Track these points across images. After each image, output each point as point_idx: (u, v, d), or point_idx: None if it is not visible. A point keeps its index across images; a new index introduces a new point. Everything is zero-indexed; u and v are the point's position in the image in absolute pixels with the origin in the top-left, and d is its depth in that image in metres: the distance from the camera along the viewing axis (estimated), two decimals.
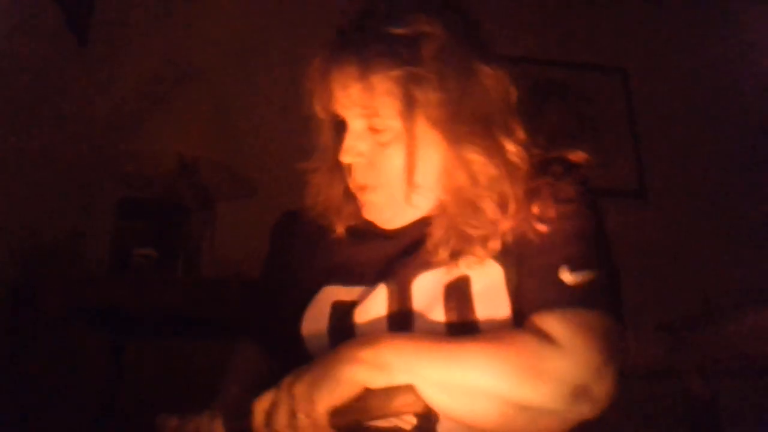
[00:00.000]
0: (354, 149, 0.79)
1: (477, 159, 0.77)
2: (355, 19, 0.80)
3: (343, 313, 0.79)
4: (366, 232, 0.86)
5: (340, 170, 0.85)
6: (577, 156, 0.83)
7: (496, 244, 0.77)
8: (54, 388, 1.60)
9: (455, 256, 0.77)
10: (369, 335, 0.73)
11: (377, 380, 0.68)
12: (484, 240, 0.77)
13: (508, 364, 0.67)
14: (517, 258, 0.77)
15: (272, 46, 2.08)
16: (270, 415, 0.67)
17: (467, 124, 0.77)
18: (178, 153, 1.70)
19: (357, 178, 0.81)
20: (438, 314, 0.76)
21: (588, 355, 0.67)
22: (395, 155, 0.78)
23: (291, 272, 0.90)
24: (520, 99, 0.82)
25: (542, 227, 0.75)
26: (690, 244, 2.18)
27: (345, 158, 0.80)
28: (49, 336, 1.63)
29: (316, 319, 0.81)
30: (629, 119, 2.34)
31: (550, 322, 0.70)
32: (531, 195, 0.78)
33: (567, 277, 0.72)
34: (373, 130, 0.79)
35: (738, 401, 1.54)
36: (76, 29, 1.96)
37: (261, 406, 0.68)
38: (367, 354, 0.68)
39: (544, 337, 0.69)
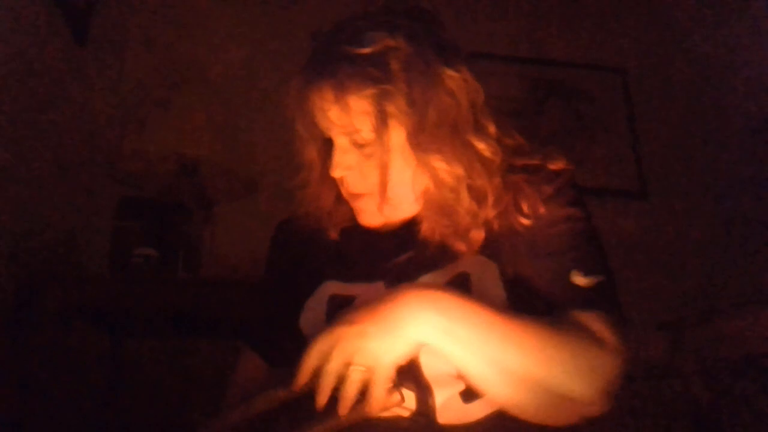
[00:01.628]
0: (342, 164, 0.83)
1: (440, 165, 0.80)
2: (324, 43, 0.84)
3: (339, 306, 0.81)
4: (361, 231, 0.89)
5: (329, 181, 0.88)
6: (556, 165, 0.85)
7: (478, 235, 0.81)
8: (54, 388, 1.60)
9: (443, 251, 0.80)
10: (429, 288, 0.72)
11: (439, 345, 0.68)
12: (464, 233, 0.80)
13: (564, 357, 0.69)
14: (511, 254, 0.79)
15: (272, 46, 2.09)
16: (321, 367, 0.65)
17: (432, 131, 0.80)
18: (178, 153, 1.70)
19: (349, 188, 0.85)
20: None
21: (623, 356, 0.71)
22: (381, 166, 0.82)
23: (290, 273, 0.93)
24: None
25: (526, 220, 0.80)
26: (690, 244, 2.18)
27: (336, 173, 0.83)
28: (49, 336, 1.63)
29: (313, 313, 0.84)
30: (629, 119, 2.34)
31: (592, 321, 0.72)
32: (513, 188, 0.82)
33: (580, 280, 0.75)
34: (357, 144, 0.82)
35: (738, 401, 1.54)
36: (76, 29, 1.96)
37: (311, 359, 0.66)
38: (434, 317, 0.68)
39: (592, 334, 0.71)
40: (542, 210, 0.80)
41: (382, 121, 0.79)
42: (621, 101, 2.35)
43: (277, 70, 2.01)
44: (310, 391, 0.67)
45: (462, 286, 0.78)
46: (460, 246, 0.80)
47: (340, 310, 0.80)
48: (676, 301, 1.96)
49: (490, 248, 0.80)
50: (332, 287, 0.85)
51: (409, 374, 0.74)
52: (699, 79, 2.40)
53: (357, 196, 0.85)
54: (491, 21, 2.30)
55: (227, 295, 1.47)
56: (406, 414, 0.74)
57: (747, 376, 1.46)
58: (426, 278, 0.80)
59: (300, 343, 0.81)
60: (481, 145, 0.82)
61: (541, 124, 2.24)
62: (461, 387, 0.75)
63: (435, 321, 0.67)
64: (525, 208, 0.80)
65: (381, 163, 0.81)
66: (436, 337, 0.67)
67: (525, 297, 0.77)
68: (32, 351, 1.60)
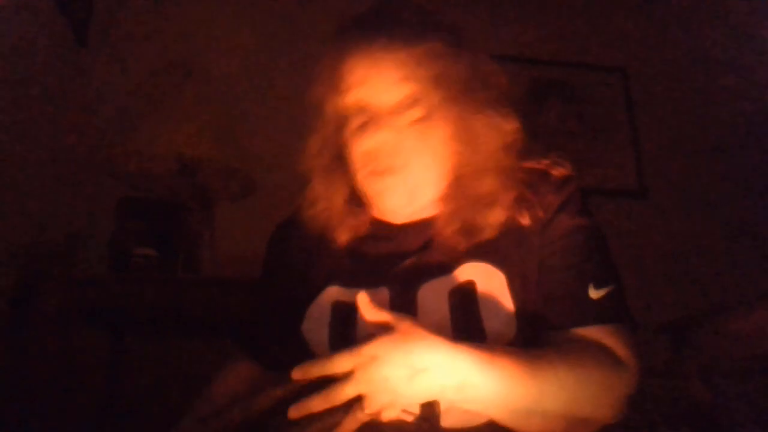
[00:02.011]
0: (378, 133, 0.79)
1: (482, 131, 0.81)
2: (370, 11, 0.83)
3: (343, 313, 0.80)
4: (367, 237, 0.87)
5: (340, 173, 0.86)
6: (560, 171, 0.84)
7: (500, 215, 0.80)
8: (54, 388, 1.60)
9: (451, 253, 0.79)
10: (456, 352, 0.65)
11: (463, 404, 0.68)
12: (489, 205, 0.80)
13: (590, 391, 0.70)
14: (519, 262, 0.78)
15: (272, 46, 2.09)
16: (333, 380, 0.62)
17: (477, 101, 0.81)
18: (178, 153, 1.70)
19: (378, 163, 0.81)
20: (444, 321, 0.76)
21: (638, 368, 0.73)
22: (419, 135, 0.80)
23: (291, 277, 0.91)
24: (515, 93, 0.87)
25: (526, 221, 0.80)
26: (690, 244, 2.18)
27: (368, 143, 0.79)
28: (49, 336, 1.63)
29: (316, 318, 0.82)
30: (629, 119, 2.34)
31: (608, 337, 0.73)
32: (517, 189, 0.82)
33: (594, 293, 0.76)
34: (397, 110, 0.80)
35: (738, 401, 1.54)
36: (76, 29, 1.96)
37: (330, 367, 0.62)
38: (460, 382, 0.65)
39: (610, 354, 0.72)
40: (542, 215, 0.79)
41: (434, 79, 0.78)
42: (621, 101, 2.36)
43: (277, 70, 2.01)
44: (310, 391, 0.66)
45: (468, 295, 0.76)
46: (483, 223, 0.79)
47: (344, 318, 0.78)
48: (676, 301, 1.96)
49: (496, 255, 0.79)
50: (335, 293, 0.83)
51: None
52: (699, 78, 2.40)
53: (384, 173, 0.81)
54: (491, 21, 2.30)
55: (227, 295, 1.47)
56: (409, 419, 0.73)
57: (747, 376, 1.46)
58: (430, 285, 0.79)
59: (301, 350, 0.79)
60: (508, 127, 0.82)
61: (541, 124, 2.24)
62: None
63: (461, 386, 0.65)
64: (525, 211, 0.80)
65: (420, 130, 0.79)
66: (460, 400, 0.66)
67: (533, 307, 0.76)
68: (32, 351, 1.60)
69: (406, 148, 0.80)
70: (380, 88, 0.79)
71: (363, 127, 0.80)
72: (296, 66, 2.03)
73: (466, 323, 0.75)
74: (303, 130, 0.89)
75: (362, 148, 0.81)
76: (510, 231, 0.80)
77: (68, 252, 1.73)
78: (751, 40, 2.39)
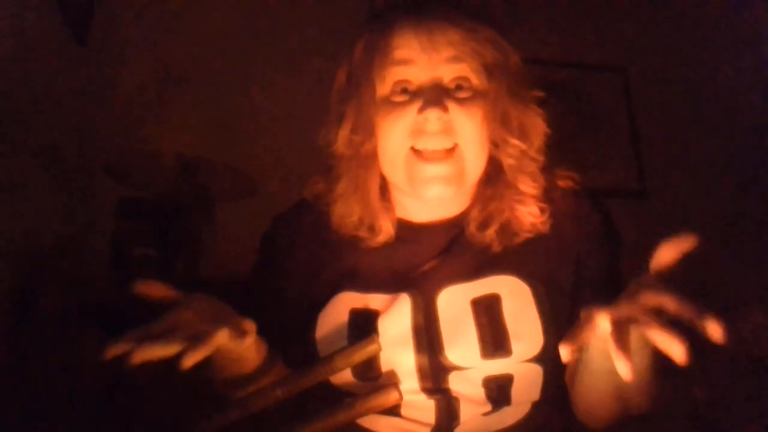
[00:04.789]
0: (438, 108, 0.73)
1: (529, 127, 0.80)
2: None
3: (364, 322, 0.76)
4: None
5: (372, 162, 0.80)
6: (566, 183, 0.84)
7: (535, 217, 0.78)
8: (54, 388, 1.60)
9: (477, 257, 0.77)
10: None
11: None
12: (526, 205, 0.78)
13: None
14: (545, 273, 0.77)
15: (272, 46, 2.08)
16: None
17: (523, 96, 0.81)
18: (178, 153, 1.70)
19: (428, 143, 0.75)
20: (470, 333, 0.74)
21: None
22: (474, 116, 0.76)
23: (295, 277, 0.85)
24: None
25: (550, 224, 0.78)
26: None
27: (432, 112, 0.73)
28: (49, 336, 1.63)
29: (332, 327, 0.78)
30: (629, 119, 2.34)
31: None
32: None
33: None
34: (447, 89, 0.76)
35: (738, 401, 1.53)
36: (76, 30, 1.96)
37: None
38: None
39: None
40: (569, 227, 0.79)
41: (484, 64, 0.76)
42: (621, 101, 2.35)
43: (278, 70, 2.01)
44: (308, 390, 0.67)
45: (493, 309, 0.74)
46: (517, 225, 0.78)
47: (365, 327, 0.75)
48: None
49: (523, 265, 0.76)
50: (349, 299, 0.78)
51: (437, 390, 0.73)
52: (699, 78, 2.40)
53: (433, 157, 0.75)
54: None
55: (227, 295, 1.46)
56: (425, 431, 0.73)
57: (747, 376, 1.46)
58: (450, 291, 0.76)
59: (311, 356, 0.76)
60: (545, 129, 0.82)
61: None
62: (487, 409, 0.73)
63: None
64: (547, 218, 0.80)
65: (469, 112, 0.75)
66: None
67: (562, 323, 0.74)
68: (32, 351, 1.60)
69: (455, 130, 0.75)
70: (431, 65, 0.75)
71: (410, 101, 0.75)
72: (297, 66, 2.03)
73: (493, 338, 0.73)
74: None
75: (408, 124, 0.75)
76: (538, 238, 0.78)
77: (68, 252, 1.73)
78: (751, 41, 2.39)
